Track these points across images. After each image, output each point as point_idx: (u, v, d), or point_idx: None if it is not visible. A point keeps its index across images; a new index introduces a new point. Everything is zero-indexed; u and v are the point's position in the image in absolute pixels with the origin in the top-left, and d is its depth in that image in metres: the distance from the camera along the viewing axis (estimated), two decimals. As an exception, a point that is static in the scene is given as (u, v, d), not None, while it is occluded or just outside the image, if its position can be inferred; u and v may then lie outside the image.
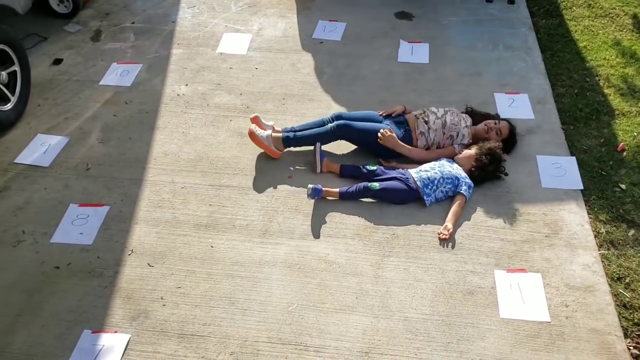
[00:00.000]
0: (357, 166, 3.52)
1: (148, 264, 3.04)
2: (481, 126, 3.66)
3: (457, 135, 3.61)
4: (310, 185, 3.34)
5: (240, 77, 4.41)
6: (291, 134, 3.62)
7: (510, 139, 3.67)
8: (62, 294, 2.90)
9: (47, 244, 3.16)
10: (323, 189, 3.34)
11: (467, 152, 3.49)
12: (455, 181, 3.35)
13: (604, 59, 4.51)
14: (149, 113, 4.07)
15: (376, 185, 3.32)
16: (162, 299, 2.87)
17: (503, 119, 3.76)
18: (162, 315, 2.79)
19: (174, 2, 5.35)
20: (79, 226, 3.24)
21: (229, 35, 4.88)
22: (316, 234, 3.17)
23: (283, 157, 3.67)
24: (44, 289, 2.93)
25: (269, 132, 3.62)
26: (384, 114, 3.76)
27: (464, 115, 3.72)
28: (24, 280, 2.97)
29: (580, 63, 4.48)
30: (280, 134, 3.62)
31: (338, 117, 3.71)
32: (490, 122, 3.68)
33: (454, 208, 3.27)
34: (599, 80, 4.30)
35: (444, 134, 3.60)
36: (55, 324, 2.77)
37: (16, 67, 3.99)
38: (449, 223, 3.20)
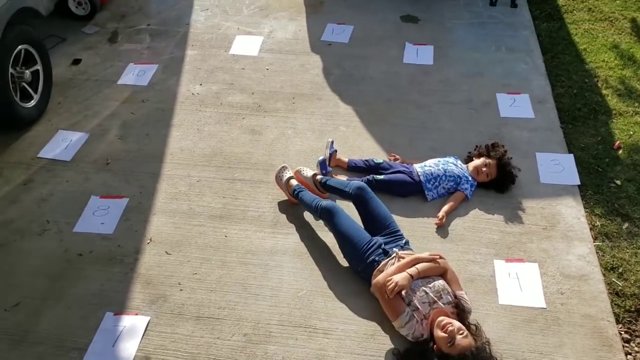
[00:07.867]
0: (364, 160, 3.69)
1: (166, 251, 3.21)
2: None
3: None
4: (320, 157, 3.53)
5: (252, 77, 4.58)
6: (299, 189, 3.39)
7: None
8: (85, 280, 3.07)
9: (70, 233, 3.33)
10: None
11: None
12: (457, 179, 3.51)
13: (603, 61, 4.67)
14: (165, 111, 4.25)
15: (381, 176, 3.50)
16: (179, 284, 3.04)
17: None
18: (179, 299, 2.96)
19: (188, 5, 5.54)
20: (100, 217, 3.42)
21: (241, 37, 5.06)
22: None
23: (292, 156, 3.83)
24: (68, 274, 3.10)
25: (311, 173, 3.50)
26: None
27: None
28: (49, 267, 3.14)
29: (580, 65, 4.63)
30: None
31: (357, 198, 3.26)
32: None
33: (450, 200, 3.43)
34: (598, 81, 4.45)
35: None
36: (79, 307, 2.94)
37: (39, 67, 4.17)
38: (442, 212, 3.35)
